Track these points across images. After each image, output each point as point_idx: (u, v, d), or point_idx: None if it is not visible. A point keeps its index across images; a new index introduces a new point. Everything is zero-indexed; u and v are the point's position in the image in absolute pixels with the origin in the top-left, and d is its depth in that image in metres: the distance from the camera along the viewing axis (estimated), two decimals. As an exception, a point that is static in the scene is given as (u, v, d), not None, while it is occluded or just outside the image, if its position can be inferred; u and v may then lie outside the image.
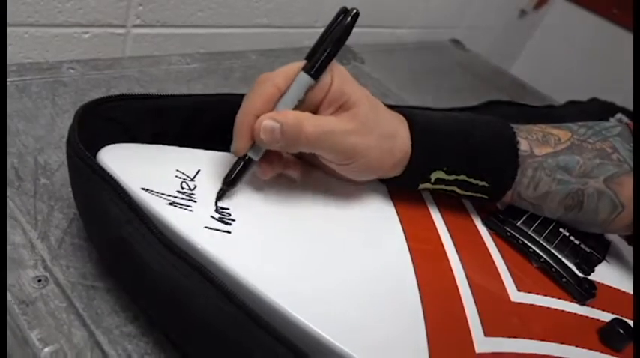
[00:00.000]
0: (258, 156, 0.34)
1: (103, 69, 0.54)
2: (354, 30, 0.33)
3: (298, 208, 0.36)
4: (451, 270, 0.36)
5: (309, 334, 0.28)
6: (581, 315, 0.38)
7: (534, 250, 0.40)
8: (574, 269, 0.40)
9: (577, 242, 0.42)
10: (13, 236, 0.35)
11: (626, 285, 0.42)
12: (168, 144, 0.37)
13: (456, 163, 0.38)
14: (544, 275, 0.39)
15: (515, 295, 0.36)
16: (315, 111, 0.34)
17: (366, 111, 0.34)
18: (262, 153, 0.34)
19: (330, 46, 0.33)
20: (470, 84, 0.97)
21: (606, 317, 0.38)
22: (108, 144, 0.34)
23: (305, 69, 0.33)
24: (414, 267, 0.35)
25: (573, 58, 1.39)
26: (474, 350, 0.31)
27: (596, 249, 0.43)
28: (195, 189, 0.33)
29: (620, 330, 0.36)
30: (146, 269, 0.29)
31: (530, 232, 0.41)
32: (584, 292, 0.38)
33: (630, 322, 0.37)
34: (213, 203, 0.33)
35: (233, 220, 0.32)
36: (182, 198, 0.32)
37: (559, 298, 0.38)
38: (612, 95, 0.87)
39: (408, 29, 1.02)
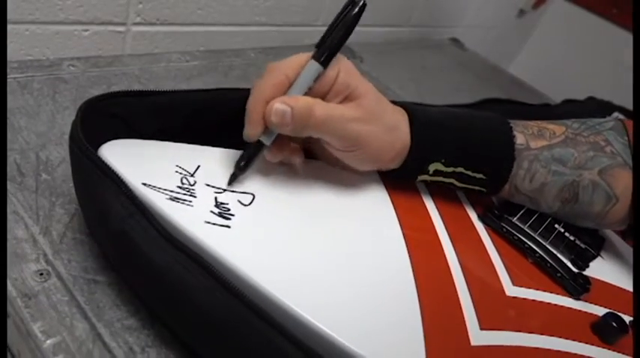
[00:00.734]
0: (269, 141, 0.35)
1: (104, 66, 0.54)
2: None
3: (297, 203, 0.36)
4: (447, 264, 0.36)
5: (306, 324, 0.28)
6: (575, 309, 0.38)
7: (530, 245, 0.40)
8: (569, 264, 0.41)
9: (572, 238, 0.43)
10: (16, 230, 0.35)
11: (619, 281, 0.43)
12: (170, 141, 0.38)
13: (454, 155, 0.38)
14: (539, 271, 0.40)
15: (511, 289, 0.37)
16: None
17: (371, 102, 0.35)
18: (274, 138, 0.35)
19: (339, 35, 0.33)
20: (469, 82, 0.97)
21: (600, 311, 0.39)
22: (109, 140, 0.35)
23: (314, 57, 0.34)
24: (410, 258, 0.35)
25: (572, 57, 1.40)
26: (469, 344, 0.32)
27: (591, 245, 0.43)
28: (195, 184, 0.34)
29: (614, 324, 0.37)
30: (147, 263, 0.29)
31: (525, 228, 0.41)
32: (579, 287, 0.39)
33: (623, 316, 0.38)
34: (213, 197, 0.33)
35: (232, 215, 0.33)
36: (182, 193, 0.33)
37: (554, 293, 0.39)
38: (611, 95, 0.87)
39: (407, 28, 1.02)
